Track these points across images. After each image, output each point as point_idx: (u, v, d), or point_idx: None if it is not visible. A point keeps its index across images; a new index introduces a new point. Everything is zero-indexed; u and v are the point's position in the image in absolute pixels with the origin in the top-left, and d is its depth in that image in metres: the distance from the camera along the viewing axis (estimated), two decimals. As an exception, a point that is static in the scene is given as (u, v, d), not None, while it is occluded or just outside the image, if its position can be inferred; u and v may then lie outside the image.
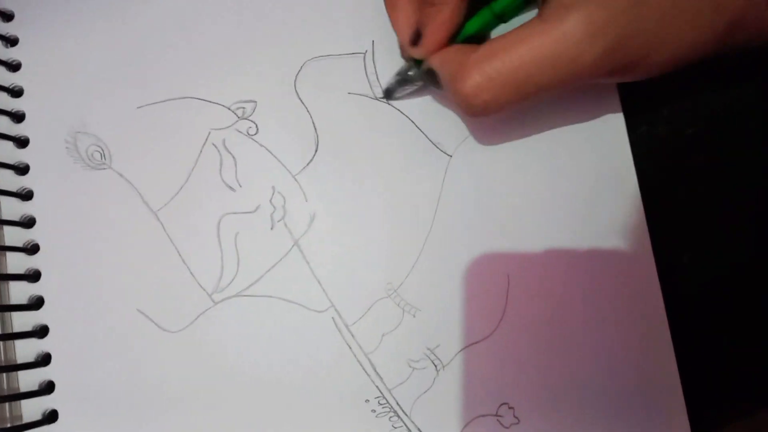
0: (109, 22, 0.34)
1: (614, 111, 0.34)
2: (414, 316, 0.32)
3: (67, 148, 0.33)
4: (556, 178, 0.33)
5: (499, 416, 0.32)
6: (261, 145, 0.33)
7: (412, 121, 0.34)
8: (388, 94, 0.33)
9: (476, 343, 0.32)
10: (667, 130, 0.34)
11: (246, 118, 0.34)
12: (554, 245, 0.33)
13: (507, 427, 0.32)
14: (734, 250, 0.33)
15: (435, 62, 0.27)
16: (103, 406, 0.32)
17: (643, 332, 0.32)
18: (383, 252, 0.33)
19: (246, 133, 0.34)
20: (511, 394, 0.32)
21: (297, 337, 0.32)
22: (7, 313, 0.32)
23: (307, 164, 0.33)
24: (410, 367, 0.32)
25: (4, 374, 0.31)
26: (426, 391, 0.32)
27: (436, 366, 0.32)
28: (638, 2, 0.23)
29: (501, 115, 0.27)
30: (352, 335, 0.32)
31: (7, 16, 0.34)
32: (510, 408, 0.32)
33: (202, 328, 0.32)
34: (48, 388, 0.32)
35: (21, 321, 0.32)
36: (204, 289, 0.32)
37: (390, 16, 0.29)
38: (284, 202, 0.33)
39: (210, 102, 0.34)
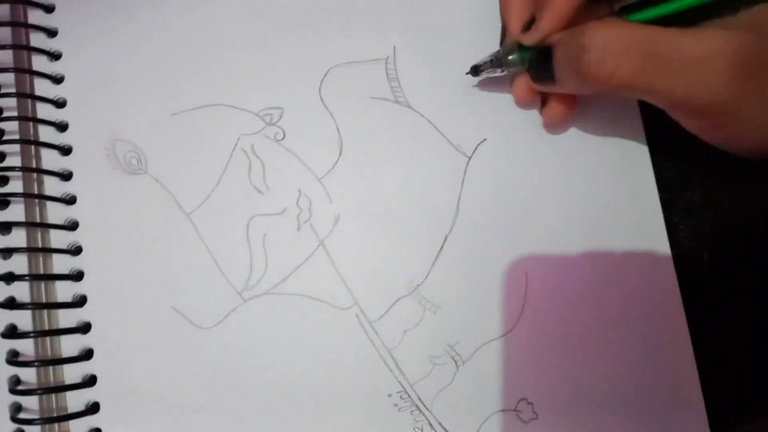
0: (144, 36, 0.36)
1: (632, 111, 0.34)
2: (435, 314, 0.33)
3: (106, 155, 0.35)
4: (573, 178, 0.34)
5: (519, 411, 0.33)
6: (288, 150, 0.35)
7: (432, 124, 0.35)
8: (475, 70, 0.34)
9: (495, 339, 0.33)
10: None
11: (273, 124, 0.35)
12: (572, 245, 0.33)
13: (526, 422, 0.32)
14: (754, 247, 0.33)
15: (554, 36, 0.29)
16: (141, 397, 0.34)
17: (662, 332, 0.33)
18: (405, 252, 0.34)
19: (273, 139, 0.35)
20: (530, 390, 0.33)
21: (322, 333, 0.33)
22: (53, 311, 0.34)
23: (332, 167, 0.35)
24: (431, 362, 0.33)
25: (51, 367, 0.34)
26: (447, 386, 0.33)
27: (456, 362, 0.33)
28: None
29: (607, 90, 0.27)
30: (375, 332, 0.33)
31: (52, 33, 0.36)
32: (529, 403, 0.33)
33: (232, 325, 0.34)
34: (90, 381, 0.34)
35: (66, 318, 0.34)
36: (234, 288, 0.34)
37: (502, 3, 0.31)
38: (310, 204, 0.34)
39: (239, 109, 0.35)
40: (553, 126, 0.34)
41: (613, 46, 0.26)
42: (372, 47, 0.36)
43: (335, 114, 0.35)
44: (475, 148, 0.35)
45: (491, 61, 0.33)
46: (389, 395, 0.33)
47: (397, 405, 0.33)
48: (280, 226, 0.34)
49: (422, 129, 0.35)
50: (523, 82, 0.32)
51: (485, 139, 0.35)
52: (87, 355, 0.34)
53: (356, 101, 0.35)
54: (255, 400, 0.33)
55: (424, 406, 0.33)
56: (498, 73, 0.33)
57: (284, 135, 0.35)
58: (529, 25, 0.30)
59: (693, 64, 0.25)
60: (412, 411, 0.33)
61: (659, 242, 0.33)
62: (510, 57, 0.32)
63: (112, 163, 0.35)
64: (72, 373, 0.34)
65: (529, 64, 0.31)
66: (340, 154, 0.35)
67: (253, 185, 0.35)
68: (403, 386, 0.33)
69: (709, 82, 0.25)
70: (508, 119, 0.35)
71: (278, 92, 0.35)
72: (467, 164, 0.34)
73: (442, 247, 0.34)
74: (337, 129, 0.35)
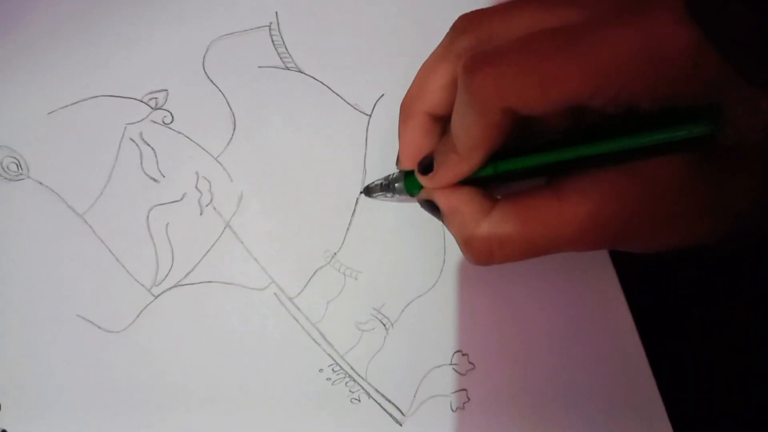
0: (5, 33, 0.34)
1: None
2: (356, 279, 0.32)
3: (-20, 164, 0.32)
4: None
5: (455, 364, 0.32)
6: (179, 133, 0.33)
7: (327, 86, 0.34)
8: (368, 192, 0.31)
9: (421, 296, 0.32)
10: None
11: (160, 108, 0.33)
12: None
13: (463, 374, 0.32)
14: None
15: (443, 204, 0.26)
16: (55, 418, 0.31)
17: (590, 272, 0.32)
18: (316, 220, 0.33)
19: (162, 123, 0.33)
20: (462, 341, 0.32)
21: (242, 317, 0.32)
22: (-56, 339, 0.31)
23: (227, 145, 0.33)
24: (359, 329, 0.32)
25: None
26: (378, 351, 0.32)
27: (384, 325, 0.32)
28: (650, 203, 0.23)
29: None
30: (297, 307, 0.32)
31: None
32: (464, 355, 0.32)
33: (146, 324, 0.32)
34: (-4, 407, 0.31)
35: (-42, 344, 0.31)
36: (142, 285, 0.32)
37: (400, 127, 0.28)
38: (210, 185, 0.33)
39: (121, 97, 0.33)
40: None
41: (496, 247, 0.25)
42: (253, 15, 0.34)
43: (223, 89, 0.33)
44: (374, 105, 0.33)
45: (381, 184, 0.30)
46: (321, 370, 0.32)
47: (330, 379, 0.32)
48: (182, 213, 0.33)
49: (317, 92, 0.34)
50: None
51: (383, 95, 0.34)
52: (-11, 380, 0.31)
53: (244, 73, 0.34)
54: (180, 396, 0.31)
55: (358, 375, 0.32)
56: (389, 198, 0.30)
57: (172, 118, 0.33)
58: (426, 168, 0.26)
59: (569, 244, 0.24)
60: (346, 382, 0.32)
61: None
62: (397, 185, 0.29)
63: (-11, 172, 0.32)
64: (-26, 402, 0.31)
65: (419, 202, 0.28)
66: (234, 130, 0.33)
67: (147, 175, 0.33)
68: (333, 359, 0.32)
69: (588, 247, 0.25)
70: (404, 72, 0.34)
71: (160, 74, 0.33)
72: (368, 122, 0.33)
73: (354, 210, 0.33)
74: (228, 104, 0.33)
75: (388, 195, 0.30)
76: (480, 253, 0.25)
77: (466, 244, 0.26)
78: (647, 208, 0.23)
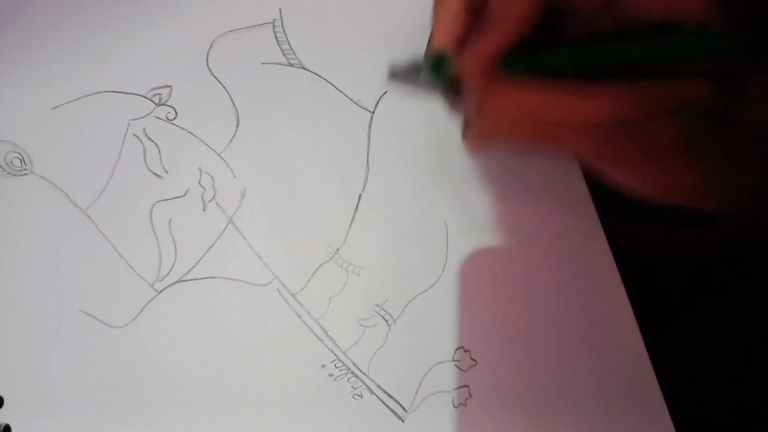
0: (11, 26, 0.34)
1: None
2: (358, 275, 0.32)
3: (-16, 159, 0.33)
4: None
5: (457, 361, 0.32)
6: (182, 129, 0.33)
7: (330, 82, 0.34)
8: (393, 74, 0.29)
9: (424, 292, 0.32)
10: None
11: (163, 104, 0.33)
12: (488, 182, 0.33)
13: (465, 371, 0.32)
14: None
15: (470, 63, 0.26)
16: (58, 413, 0.31)
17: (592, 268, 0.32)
18: (319, 216, 0.33)
19: (165, 119, 0.33)
20: (465, 338, 0.32)
21: (244, 313, 0.32)
22: (-53, 334, 0.31)
23: (231, 140, 0.33)
24: (361, 326, 0.32)
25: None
26: (380, 348, 0.32)
27: (387, 321, 0.32)
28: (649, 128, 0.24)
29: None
30: (300, 303, 0.32)
31: None
32: (466, 351, 0.32)
33: (148, 319, 0.32)
34: (-1, 401, 0.31)
35: (-38, 339, 0.31)
36: (145, 280, 0.32)
37: (435, 4, 0.28)
38: (213, 181, 0.33)
39: (124, 93, 0.33)
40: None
41: (502, 102, 0.26)
42: (256, 12, 0.34)
43: (227, 85, 0.33)
44: (377, 102, 0.34)
45: (407, 68, 0.29)
46: (323, 366, 0.32)
47: (332, 375, 0.32)
48: (185, 208, 0.33)
49: (320, 89, 0.34)
50: None
51: (386, 92, 0.34)
52: (-9, 375, 0.31)
53: (247, 69, 0.34)
54: (183, 392, 0.31)
55: (360, 371, 0.32)
56: (415, 82, 0.29)
57: (176, 114, 0.33)
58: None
59: (573, 136, 0.25)
60: (348, 378, 0.32)
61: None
62: (423, 72, 0.28)
63: (-8, 167, 0.33)
64: (-23, 396, 0.31)
65: (443, 86, 0.28)
66: (237, 126, 0.33)
67: (150, 170, 0.33)
68: (336, 355, 0.32)
69: (590, 148, 0.26)
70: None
71: (164, 70, 0.33)
72: (371, 119, 0.33)
73: (357, 206, 0.33)
74: (231, 100, 0.33)
75: (411, 80, 0.29)
76: (498, 104, 0.26)
77: (486, 89, 0.26)
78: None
